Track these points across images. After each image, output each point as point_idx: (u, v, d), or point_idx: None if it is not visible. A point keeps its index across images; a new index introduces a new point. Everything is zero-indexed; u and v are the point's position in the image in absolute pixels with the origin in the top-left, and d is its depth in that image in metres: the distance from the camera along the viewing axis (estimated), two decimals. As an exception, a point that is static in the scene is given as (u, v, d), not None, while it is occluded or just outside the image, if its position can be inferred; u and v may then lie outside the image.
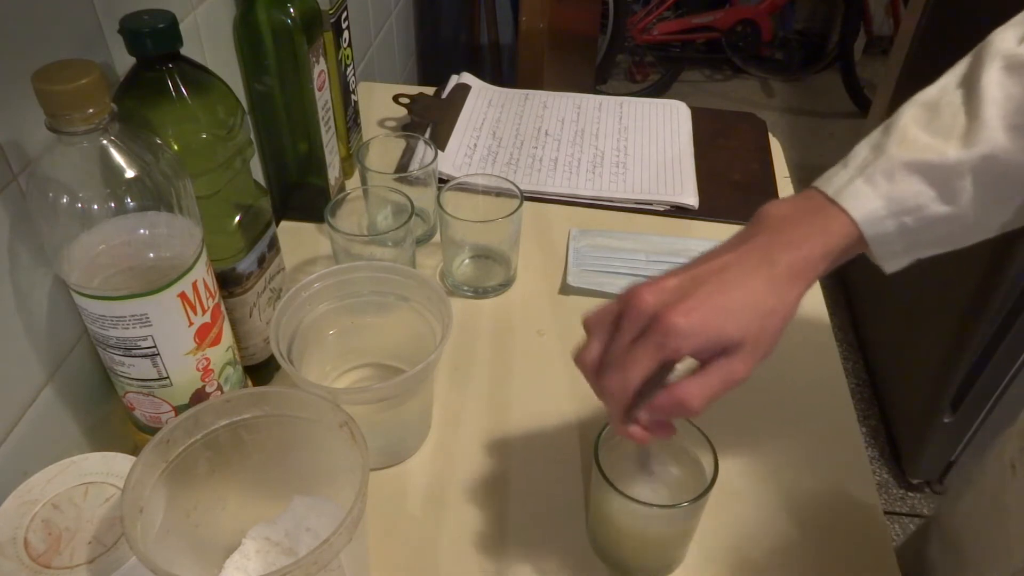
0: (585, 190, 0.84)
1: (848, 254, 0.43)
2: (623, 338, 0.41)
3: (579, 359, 0.43)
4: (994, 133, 0.40)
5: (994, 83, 0.41)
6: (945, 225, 0.42)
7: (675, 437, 0.47)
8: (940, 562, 0.54)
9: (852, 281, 1.92)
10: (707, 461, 0.47)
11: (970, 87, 0.42)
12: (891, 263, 0.44)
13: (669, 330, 0.39)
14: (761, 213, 0.44)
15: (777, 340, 0.42)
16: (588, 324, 0.44)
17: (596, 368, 0.42)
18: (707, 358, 0.41)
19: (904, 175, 0.41)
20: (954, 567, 0.52)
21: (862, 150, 0.44)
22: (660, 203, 0.82)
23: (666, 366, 0.40)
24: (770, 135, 0.94)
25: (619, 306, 0.42)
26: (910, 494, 1.55)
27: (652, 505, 0.45)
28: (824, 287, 0.73)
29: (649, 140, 0.91)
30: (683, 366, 0.41)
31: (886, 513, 1.48)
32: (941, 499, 0.59)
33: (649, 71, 2.90)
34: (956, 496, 0.56)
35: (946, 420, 1.38)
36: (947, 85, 0.43)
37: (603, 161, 0.88)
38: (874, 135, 0.44)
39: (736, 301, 0.40)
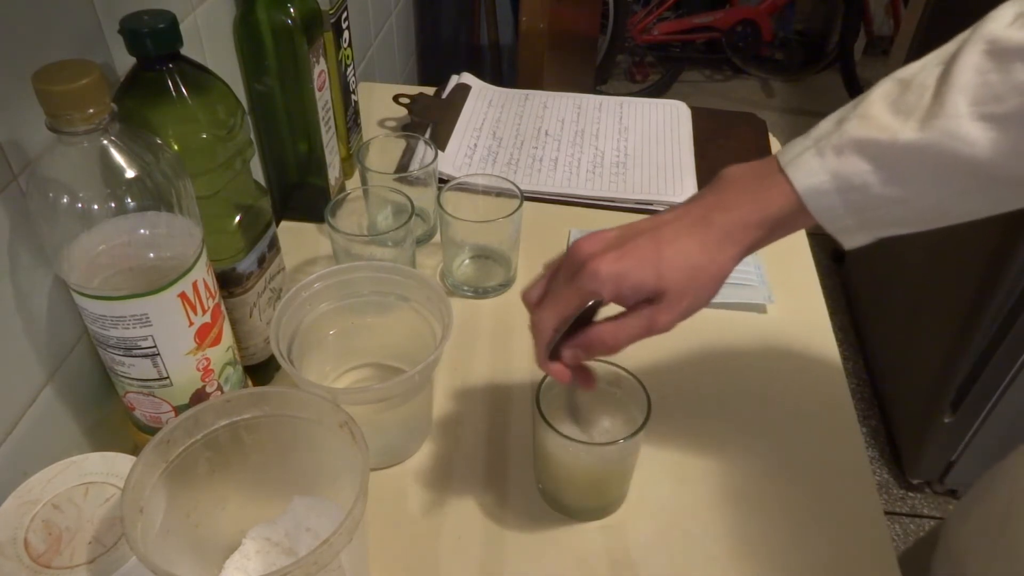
0: (585, 190, 0.84)
1: (795, 222, 0.43)
2: (559, 280, 0.45)
3: (523, 294, 0.48)
4: (954, 121, 0.38)
5: (970, 67, 0.39)
6: (898, 207, 0.41)
7: (617, 399, 0.52)
8: None
9: (853, 282, 1.92)
10: (641, 410, 0.50)
11: (947, 67, 0.40)
12: (847, 238, 0.43)
13: (591, 274, 0.42)
14: (720, 174, 0.45)
15: (704, 298, 0.44)
16: (545, 267, 0.48)
17: (535, 304, 0.46)
18: (632, 305, 0.44)
19: (852, 152, 0.41)
20: None
21: (827, 122, 0.43)
22: (660, 203, 0.82)
23: (591, 309, 0.44)
24: (770, 135, 0.94)
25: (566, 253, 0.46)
26: (910, 494, 1.55)
27: (585, 443, 0.49)
28: (825, 288, 0.73)
29: (649, 140, 0.91)
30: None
31: (886, 513, 1.49)
32: (949, 515, 0.59)
33: (649, 71, 2.90)
34: (964, 513, 0.55)
35: (946, 420, 1.38)
36: (929, 61, 0.42)
37: (603, 161, 0.88)
38: (845, 107, 0.43)
39: (664, 254, 0.42)
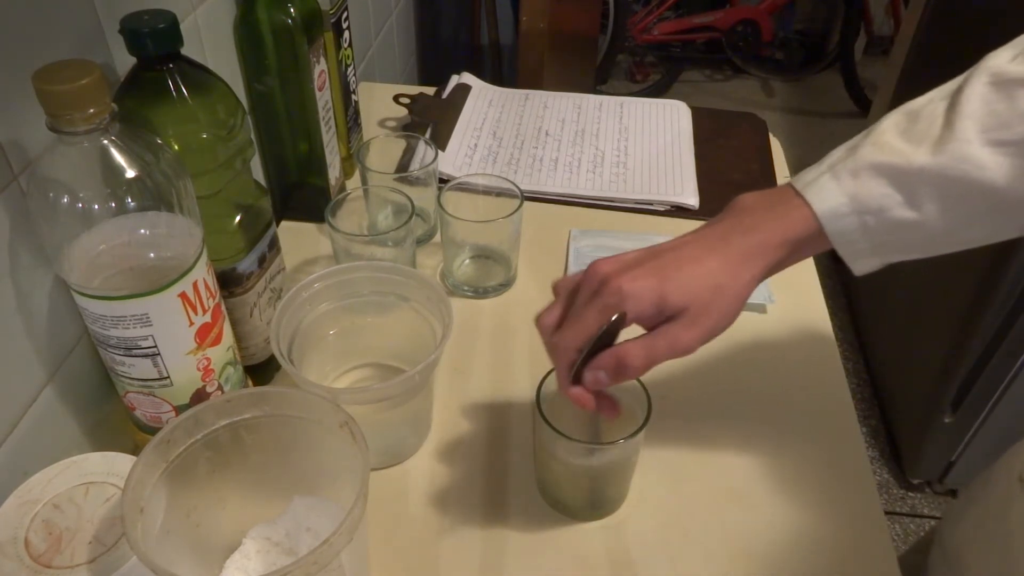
0: (585, 190, 0.84)
1: (810, 246, 0.44)
2: (579, 302, 0.44)
3: (539, 320, 0.47)
4: (965, 146, 0.40)
5: (976, 96, 0.40)
6: (911, 231, 0.42)
7: (617, 399, 0.50)
8: None
9: (853, 282, 1.92)
10: (641, 409, 0.49)
11: (953, 99, 0.42)
12: (859, 263, 0.44)
13: (615, 291, 0.42)
14: (732, 202, 0.46)
15: (727, 317, 0.44)
16: (555, 288, 0.48)
17: (552, 330, 0.46)
18: (654, 326, 0.43)
19: (869, 175, 0.42)
20: None
21: (839, 150, 0.45)
22: (660, 203, 0.82)
23: (612, 331, 0.43)
24: (770, 135, 0.94)
25: (581, 275, 0.45)
26: (910, 494, 1.55)
27: (585, 443, 0.48)
28: (825, 288, 0.73)
29: (649, 140, 0.91)
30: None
31: (886, 513, 1.49)
32: (943, 517, 0.59)
33: (649, 71, 2.90)
34: (959, 515, 0.55)
35: (946, 420, 1.38)
36: (934, 96, 0.43)
37: (603, 161, 0.88)
38: (856, 138, 0.44)
39: (686, 273, 0.42)
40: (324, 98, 0.72)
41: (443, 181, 0.79)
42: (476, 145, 0.90)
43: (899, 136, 0.42)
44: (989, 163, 0.39)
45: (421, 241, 0.76)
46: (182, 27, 0.46)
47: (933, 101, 0.43)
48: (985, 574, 0.49)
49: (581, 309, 0.44)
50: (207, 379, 0.51)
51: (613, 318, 0.42)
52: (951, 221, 0.41)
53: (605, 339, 0.44)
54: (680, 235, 0.46)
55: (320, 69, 0.70)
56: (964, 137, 0.40)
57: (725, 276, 0.43)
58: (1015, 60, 0.41)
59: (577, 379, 0.45)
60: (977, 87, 0.41)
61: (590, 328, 0.43)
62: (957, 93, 0.41)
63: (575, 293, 0.45)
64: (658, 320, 0.43)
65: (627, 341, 0.43)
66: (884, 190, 0.41)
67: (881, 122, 0.44)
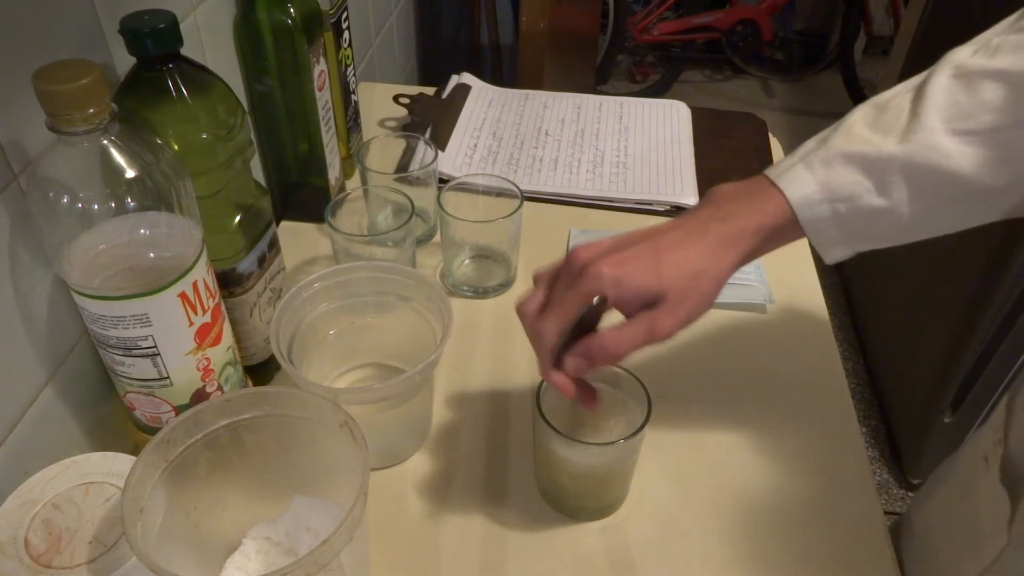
0: (585, 190, 0.84)
1: (784, 235, 0.45)
2: (559, 288, 0.45)
3: (519, 307, 0.47)
4: (931, 134, 0.41)
5: (940, 88, 0.42)
6: (881, 218, 0.43)
7: (617, 399, 0.52)
8: (911, 564, 0.54)
9: (852, 282, 1.92)
10: (641, 409, 0.50)
11: (918, 91, 0.43)
12: (829, 252, 0.45)
13: (595, 276, 0.42)
14: (709, 192, 0.47)
15: (705, 303, 0.44)
16: (535, 277, 0.48)
17: (534, 316, 0.46)
18: (633, 312, 0.44)
19: (840, 164, 0.43)
20: (926, 568, 0.53)
21: (811, 142, 0.46)
22: (660, 203, 0.82)
23: (593, 315, 0.44)
24: (770, 135, 0.94)
25: (561, 262, 0.46)
26: (910, 494, 1.54)
27: (585, 443, 0.48)
28: (824, 287, 0.73)
29: (649, 140, 0.91)
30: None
31: (886, 513, 1.49)
32: (911, 501, 0.60)
33: (649, 71, 2.90)
34: (925, 496, 0.56)
35: (946, 420, 1.38)
36: (899, 90, 0.45)
37: (603, 161, 0.88)
38: (826, 130, 0.46)
39: (665, 259, 0.43)
40: (324, 98, 0.72)
41: (443, 181, 0.79)
42: (476, 145, 0.90)
43: (868, 127, 0.43)
44: (954, 152, 0.40)
45: (421, 241, 0.76)
46: (182, 27, 0.46)
47: (899, 94, 0.44)
48: (953, 555, 0.50)
49: (562, 294, 0.44)
50: (207, 379, 0.51)
51: (594, 302, 0.43)
52: (919, 208, 0.42)
53: (587, 324, 0.44)
54: (658, 224, 0.46)
55: (320, 69, 0.70)
56: (929, 126, 0.41)
57: (704, 263, 0.43)
58: (976, 54, 0.42)
59: (559, 366, 0.45)
60: (941, 79, 0.42)
61: (571, 313, 0.44)
62: (922, 86, 0.43)
63: (555, 280, 0.46)
64: (638, 305, 0.43)
65: (608, 328, 0.44)
66: (855, 178, 0.42)
67: (850, 114, 0.45)
